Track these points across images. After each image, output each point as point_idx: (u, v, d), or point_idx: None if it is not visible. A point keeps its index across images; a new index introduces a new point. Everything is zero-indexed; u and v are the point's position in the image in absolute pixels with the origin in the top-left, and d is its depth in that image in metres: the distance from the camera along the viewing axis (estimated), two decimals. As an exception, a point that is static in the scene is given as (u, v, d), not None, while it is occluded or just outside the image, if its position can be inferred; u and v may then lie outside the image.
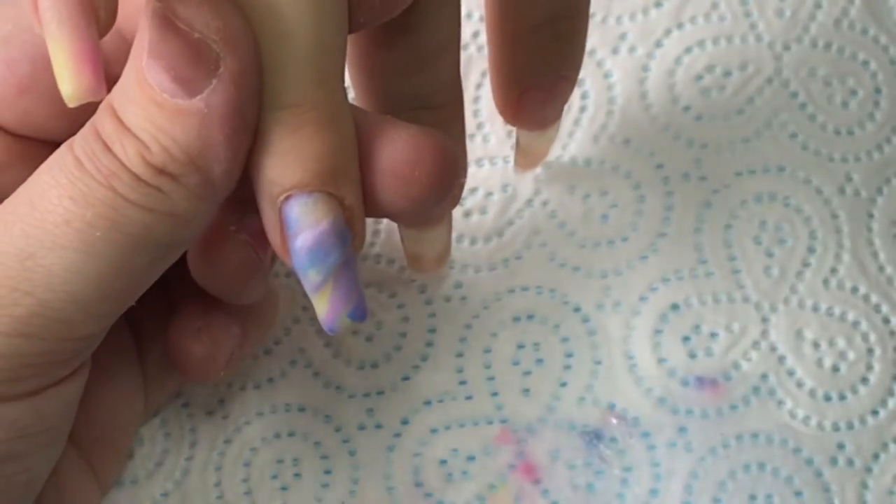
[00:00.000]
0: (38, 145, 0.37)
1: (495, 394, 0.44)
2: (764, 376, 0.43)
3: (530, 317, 0.45)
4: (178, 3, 0.31)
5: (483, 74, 0.49)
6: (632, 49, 0.49)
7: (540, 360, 0.44)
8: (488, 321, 0.45)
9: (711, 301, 0.45)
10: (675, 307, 0.45)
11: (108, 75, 0.30)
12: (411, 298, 0.45)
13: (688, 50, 0.48)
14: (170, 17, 0.31)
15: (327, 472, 0.43)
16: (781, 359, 0.44)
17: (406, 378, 0.44)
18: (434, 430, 0.43)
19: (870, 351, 0.44)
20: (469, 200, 0.46)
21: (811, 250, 0.45)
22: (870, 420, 0.43)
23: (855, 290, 0.45)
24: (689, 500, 0.42)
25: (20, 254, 0.32)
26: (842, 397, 0.43)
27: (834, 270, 0.45)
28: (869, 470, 0.42)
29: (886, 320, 0.44)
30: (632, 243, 0.46)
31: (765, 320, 0.44)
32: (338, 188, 0.33)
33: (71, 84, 0.29)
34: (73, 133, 0.33)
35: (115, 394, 0.41)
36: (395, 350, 0.45)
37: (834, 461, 0.42)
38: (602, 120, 0.48)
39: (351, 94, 0.39)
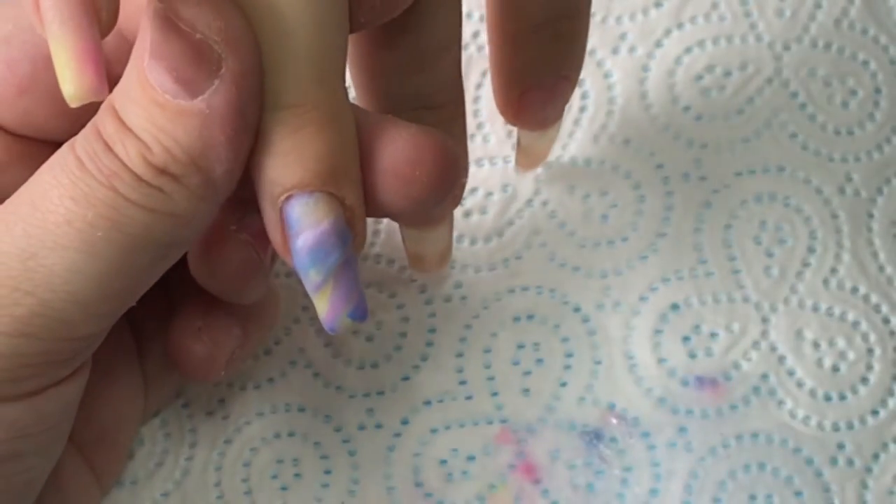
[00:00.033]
0: (38, 145, 0.37)
1: (495, 394, 0.44)
2: (764, 376, 0.43)
3: (530, 317, 0.45)
4: (180, 4, 0.31)
5: (483, 74, 0.49)
6: (632, 49, 0.49)
7: (540, 360, 0.44)
8: (488, 321, 0.45)
9: (711, 301, 0.45)
10: (675, 307, 0.45)
11: (110, 75, 0.30)
12: (411, 298, 0.45)
13: (688, 50, 0.48)
14: (171, 18, 0.31)
15: (327, 472, 0.43)
16: (781, 359, 0.44)
17: (406, 378, 0.44)
18: (434, 430, 0.43)
19: (870, 351, 0.44)
20: (469, 200, 0.46)
21: (811, 250, 0.45)
22: (870, 420, 0.43)
23: (855, 290, 0.45)
24: (689, 500, 0.42)
25: (22, 254, 0.32)
26: (842, 397, 0.43)
27: (834, 270, 0.45)
28: (869, 470, 0.42)
29: (886, 320, 0.44)
30: (632, 243, 0.46)
31: (765, 320, 0.44)
32: (339, 188, 0.33)
33: (73, 84, 0.29)
34: (74, 133, 0.33)
35: (116, 394, 0.41)
36: (395, 350, 0.45)
37: (834, 461, 0.42)
38: (602, 120, 0.48)
39: (352, 94, 0.39)
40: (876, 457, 0.42)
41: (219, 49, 0.31)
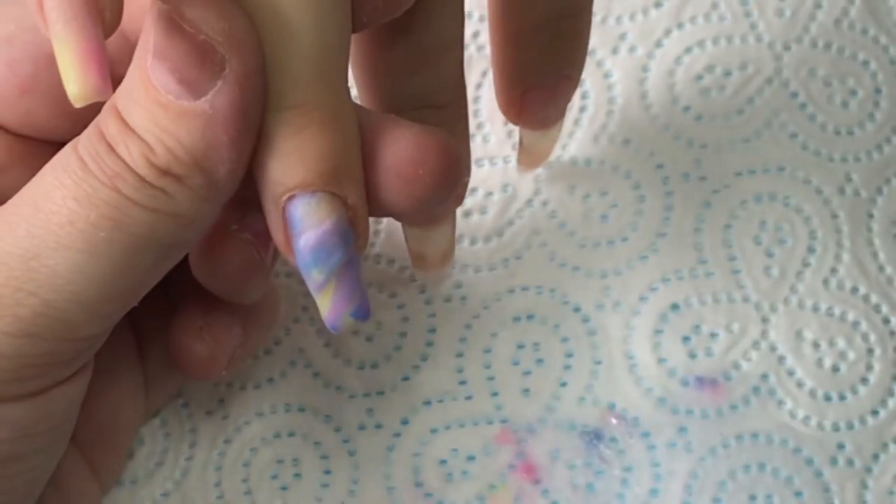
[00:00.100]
0: (39, 145, 0.37)
1: (495, 394, 0.44)
2: (764, 376, 0.43)
3: (530, 317, 0.45)
4: (184, 5, 0.31)
5: (483, 74, 0.49)
6: (632, 49, 0.49)
7: (540, 360, 0.44)
8: (488, 321, 0.45)
9: (711, 301, 0.45)
10: (675, 307, 0.45)
11: (113, 76, 0.30)
12: (411, 298, 0.45)
13: (688, 50, 0.48)
14: (175, 19, 0.30)
15: (327, 472, 0.43)
16: (781, 359, 0.44)
17: (406, 378, 0.44)
18: (434, 430, 0.43)
19: (870, 351, 0.44)
20: (469, 200, 0.46)
21: (811, 250, 0.45)
22: (870, 420, 0.43)
23: (855, 290, 0.45)
24: (689, 500, 0.42)
25: (24, 254, 0.31)
26: (842, 397, 0.43)
27: (834, 270, 0.45)
28: (869, 470, 0.42)
29: (886, 320, 0.44)
30: (632, 243, 0.46)
31: (765, 320, 0.44)
32: (341, 188, 0.33)
33: (77, 84, 0.29)
34: (75, 133, 0.33)
35: (117, 394, 0.41)
36: (395, 350, 0.45)
37: (834, 461, 0.42)
38: (602, 120, 0.48)
39: (354, 93, 0.39)
40: (876, 457, 0.42)
41: (222, 50, 0.31)
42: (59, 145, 0.34)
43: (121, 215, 0.31)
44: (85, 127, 0.33)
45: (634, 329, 0.44)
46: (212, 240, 0.37)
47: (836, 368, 0.44)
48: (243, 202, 0.35)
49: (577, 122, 0.48)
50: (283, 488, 0.43)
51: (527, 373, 0.44)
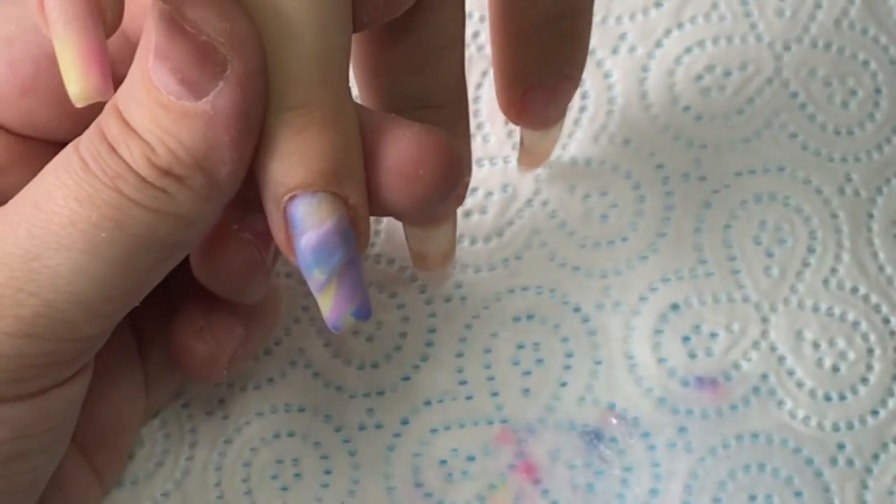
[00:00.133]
0: (40, 145, 0.37)
1: (495, 394, 0.44)
2: (764, 376, 0.43)
3: (530, 317, 0.45)
4: (186, 5, 0.31)
5: (483, 74, 0.49)
6: (632, 49, 0.49)
7: (540, 360, 0.44)
8: (488, 321, 0.45)
9: (711, 301, 0.45)
10: (675, 307, 0.45)
11: (114, 76, 0.30)
12: (411, 298, 0.45)
13: (688, 50, 0.48)
14: (176, 20, 0.30)
15: (327, 472, 0.43)
16: (781, 359, 0.44)
17: (406, 378, 0.44)
18: (434, 430, 0.43)
19: (870, 351, 0.44)
20: (469, 200, 0.46)
21: (811, 250, 0.45)
22: (870, 420, 0.43)
23: (855, 290, 0.45)
24: (689, 500, 0.42)
25: (25, 254, 0.31)
26: (842, 397, 0.43)
27: (834, 270, 0.45)
28: (869, 470, 0.42)
29: (886, 320, 0.44)
30: (632, 243, 0.46)
31: (765, 320, 0.44)
32: (342, 188, 0.33)
33: (78, 84, 0.29)
34: (76, 133, 0.33)
35: (117, 394, 0.41)
36: (395, 350, 0.45)
37: (834, 461, 0.42)
38: (602, 120, 0.48)
39: (355, 93, 0.39)
40: (876, 457, 0.42)
41: (224, 51, 0.31)
42: (59, 145, 0.34)
43: (122, 216, 0.31)
44: (86, 127, 0.33)
45: (634, 329, 0.44)
46: (213, 240, 0.37)
47: (836, 368, 0.44)
48: (244, 202, 0.35)
49: (577, 122, 0.48)
50: (284, 488, 0.43)
51: (527, 373, 0.44)
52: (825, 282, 0.45)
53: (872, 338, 0.44)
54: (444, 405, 0.44)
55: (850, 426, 0.43)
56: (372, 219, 0.36)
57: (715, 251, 0.45)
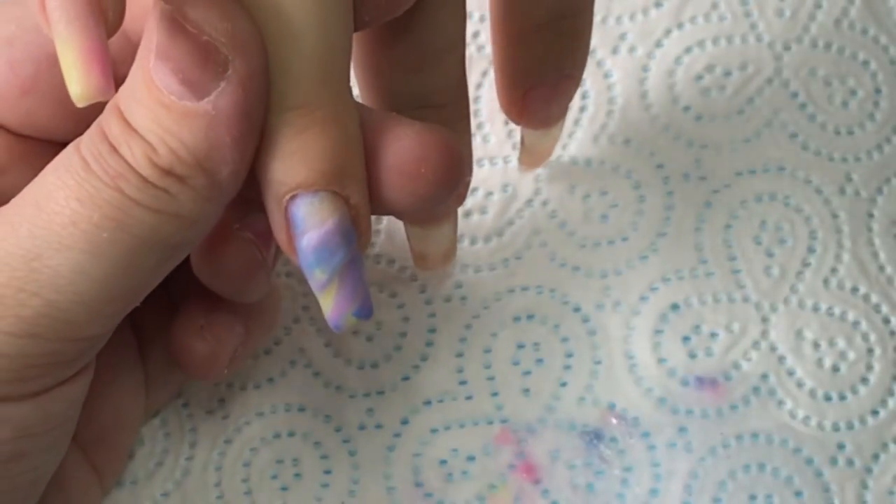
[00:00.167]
0: (40, 145, 0.37)
1: (495, 394, 0.44)
2: (764, 376, 0.43)
3: (530, 317, 0.45)
4: (187, 6, 0.31)
5: (483, 74, 0.49)
6: (632, 49, 0.49)
7: (540, 360, 0.44)
8: (488, 321, 0.45)
9: (711, 301, 0.45)
10: (675, 307, 0.45)
11: (114, 76, 0.30)
12: (411, 298, 0.45)
13: (688, 50, 0.48)
14: (178, 20, 0.30)
15: (327, 472, 0.43)
16: (781, 359, 0.44)
17: (406, 378, 0.44)
18: (434, 430, 0.43)
19: (870, 351, 0.44)
20: (469, 200, 0.46)
21: (811, 250, 0.45)
22: (870, 420, 0.43)
23: (855, 290, 0.45)
24: (689, 500, 0.42)
25: (27, 255, 0.31)
26: (842, 397, 0.43)
27: (834, 270, 0.45)
28: (869, 470, 0.42)
29: (886, 320, 0.44)
30: (632, 243, 0.46)
31: (765, 320, 0.44)
32: (343, 187, 0.33)
33: (80, 84, 0.29)
34: (76, 134, 0.33)
35: (118, 393, 0.41)
36: (395, 350, 0.44)
37: (834, 461, 0.42)
38: (602, 120, 0.48)
39: (355, 92, 0.39)
40: (876, 457, 0.42)
41: (225, 51, 0.31)
42: (60, 146, 0.33)
43: (123, 216, 0.31)
44: (86, 127, 0.33)
45: (634, 329, 0.44)
46: (213, 239, 0.37)
47: (836, 368, 0.44)
48: (245, 201, 0.35)
49: (577, 122, 0.48)
50: (284, 488, 0.43)
51: (527, 373, 0.44)
52: (825, 282, 0.45)
53: (872, 338, 0.44)
54: (444, 405, 0.44)
55: (850, 426, 0.43)
56: (372, 218, 0.36)
57: (715, 251, 0.45)
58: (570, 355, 0.44)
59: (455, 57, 0.38)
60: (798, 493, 0.42)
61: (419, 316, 0.45)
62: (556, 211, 0.46)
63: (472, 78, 0.48)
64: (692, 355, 0.44)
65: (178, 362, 0.40)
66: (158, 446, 0.43)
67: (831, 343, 0.44)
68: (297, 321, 0.45)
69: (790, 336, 0.44)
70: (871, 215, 0.46)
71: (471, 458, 0.43)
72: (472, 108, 0.47)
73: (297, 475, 0.43)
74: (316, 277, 0.33)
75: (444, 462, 0.43)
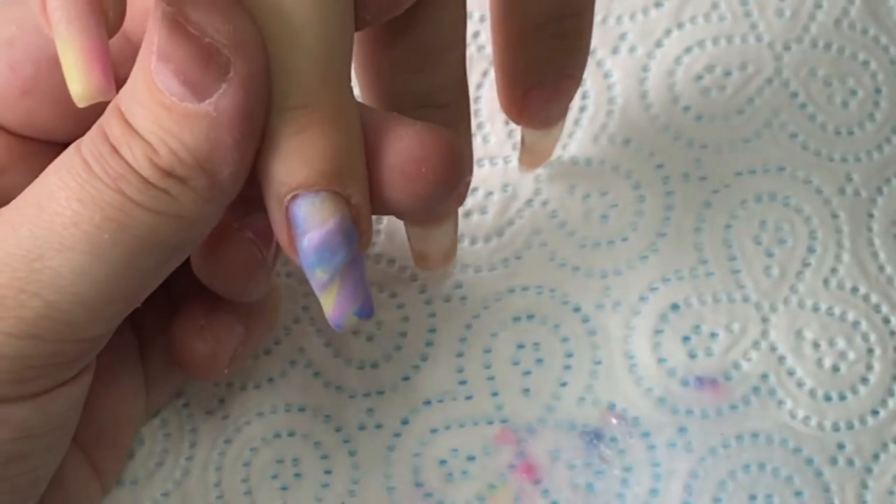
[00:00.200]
0: (40, 146, 0.37)
1: (495, 394, 0.44)
2: (764, 376, 0.43)
3: (530, 317, 0.45)
4: (189, 7, 0.31)
5: (483, 74, 0.48)
6: (632, 49, 0.49)
7: (540, 360, 0.44)
8: (488, 321, 0.45)
9: (711, 301, 0.45)
10: (675, 307, 0.45)
11: (115, 77, 0.30)
12: (411, 298, 0.45)
13: (688, 50, 0.48)
14: (180, 22, 0.30)
15: (327, 472, 0.43)
16: (781, 359, 0.44)
17: (406, 378, 0.44)
18: (434, 430, 0.43)
19: (870, 351, 0.44)
20: (469, 200, 0.46)
21: (811, 250, 0.45)
22: (870, 420, 0.43)
23: (855, 290, 0.45)
24: (689, 500, 0.42)
25: (28, 255, 0.31)
26: (842, 397, 0.43)
27: (834, 270, 0.45)
28: (869, 470, 0.42)
29: (886, 320, 0.44)
30: (632, 243, 0.46)
31: (765, 320, 0.44)
32: (344, 187, 0.33)
33: (80, 84, 0.29)
34: (76, 134, 0.33)
35: (118, 393, 0.41)
36: (395, 350, 0.44)
37: (834, 461, 0.42)
38: (602, 120, 0.48)
39: (356, 92, 0.39)
40: (876, 457, 0.42)
41: (227, 53, 0.31)
42: (59, 146, 0.34)
43: (124, 217, 0.31)
44: (86, 128, 0.33)
45: (634, 329, 0.44)
46: (214, 238, 0.37)
47: (836, 368, 0.44)
48: (245, 201, 0.35)
49: (577, 122, 0.48)
50: (284, 488, 0.43)
51: (527, 373, 0.44)
52: (825, 282, 0.45)
53: (872, 338, 0.44)
54: (444, 405, 0.44)
55: (850, 426, 0.43)
56: (373, 218, 0.36)
57: (715, 251, 0.45)
58: (570, 355, 0.44)
59: (455, 56, 0.38)
60: (798, 493, 0.42)
61: (419, 316, 0.45)
62: (556, 211, 0.46)
63: (472, 78, 0.48)
64: (692, 355, 0.44)
65: (178, 362, 0.40)
66: (158, 446, 0.43)
67: (831, 343, 0.44)
68: (297, 321, 0.45)
69: (790, 336, 0.44)
70: (871, 215, 0.46)
71: (471, 458, 0.43)
72: (472, 108, 0.47)
73: (297, 475, 0.43)
74: (317, 277, 0.33)
75: (444, 462, 0.43)
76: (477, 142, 0.47)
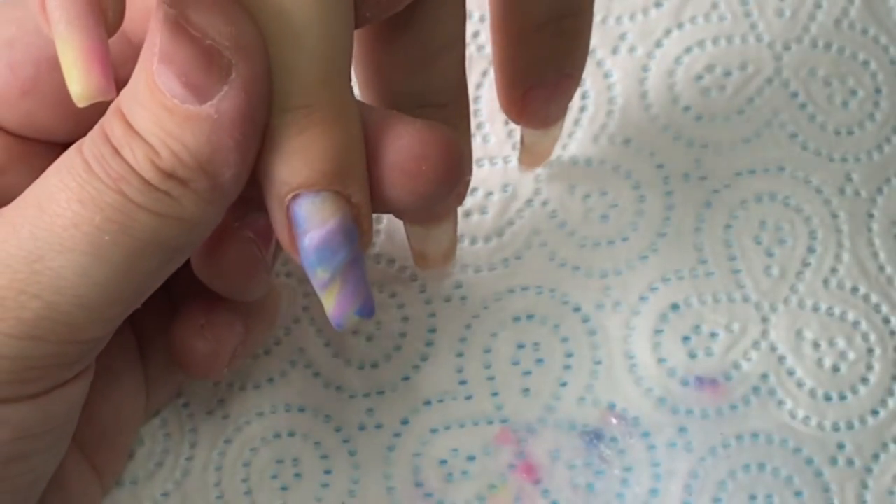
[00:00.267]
0: (40, 146, 0.37)
1: (495, 394, 0.44)
2: (764, 376, 0.43)
3: (530, 317, 0.45)
4: (190, 9, 0.31)
5: (483, 74, 0.48)
6: (632, 49, 0.49)
7: (540, 360, 0.44)
8: (488, 321, 0.45)
9: (711, 301, 0.45)
10: (675, 307, 0.45)
11: (115, 78, 0.30)
12: (411, 298, 0.45)
13: (688, 50, 0.48)
14: (182, 24, 0.30)
15: (327, 472, 0.43)
16: (781, 359, 0.44)
17: (406, 378, 0.44)
18: (434, 430, 0.43)
19: (870, 351, 0.44)
20: (469, 200, 0.46)
21: (811, 250, 0.45)
22: (870, 420, 0.43)
23: (855, 290, 0.45)
24: (689, 500, 0.42)
25: (28, 256, 0.31)
26: (842, 397, 0.43)
27: (834, 270, 0.45)
28: (869, 470, 0.42)
29: (886, 320, 0.44)
30: (632, 243, 0.46)
31: (765, 320, 0.44)
32: (345, 186, 0.33)
33: (80, 84, 0.29)
34: (76, 135, 0.33)
35: (118, 393, 0.41)
36: (395, 350, 0.44)
37: (834, 461, 0.42)
38: (602, 120, 0.48)
39: (356, 90, 0.39)
40: (876, 457, 0.42)
41: (229, 55, 0.31)
42: (59, 146, 0.34)
43: (125, 218, 0.31)
44: (86, 128, 0.33)
45: (634, 329, 0.44)
46: (214, 238, 0.37)
47: (836, 368, 0.44)
48: (245, 200, 0.35)
49: (577, 121, 0.48)
50: (284, 488, 0.43)
51: (527, 373, 0.44)
52: (825, 282, 0.45)
53: (872, 338, 0.44)
54: (444, 405, 0.44)
55: (850, 426, 0.43)
56: (373, 218, 0.36)
57: (715, 251, 0.45)
58: (570, 355, 0.44)
59: (455, 56, 0.38)
60: (798, 493, 0.42)
61: (419, 316, 0.45)
62: (556, 211, 0.46)
63: (472, 78, 0.48)
64: (692, 355, 0.44)
65: (178, 362, 0.40)
66: (158, 446, 0.43)
67: (831, 343, 0.44)
68: (297, 321, 0.45)
69: (790, 336, 0.44)
70: (871, 215, 0.46)
71: (471, 458, 0.43)
72: (472, 108, 0.47)
73: (297, 475, 0.43)
74: (318, 276, 0.33)
75: (444, 462, 0.43)
76: (477, 142, 0.47)
